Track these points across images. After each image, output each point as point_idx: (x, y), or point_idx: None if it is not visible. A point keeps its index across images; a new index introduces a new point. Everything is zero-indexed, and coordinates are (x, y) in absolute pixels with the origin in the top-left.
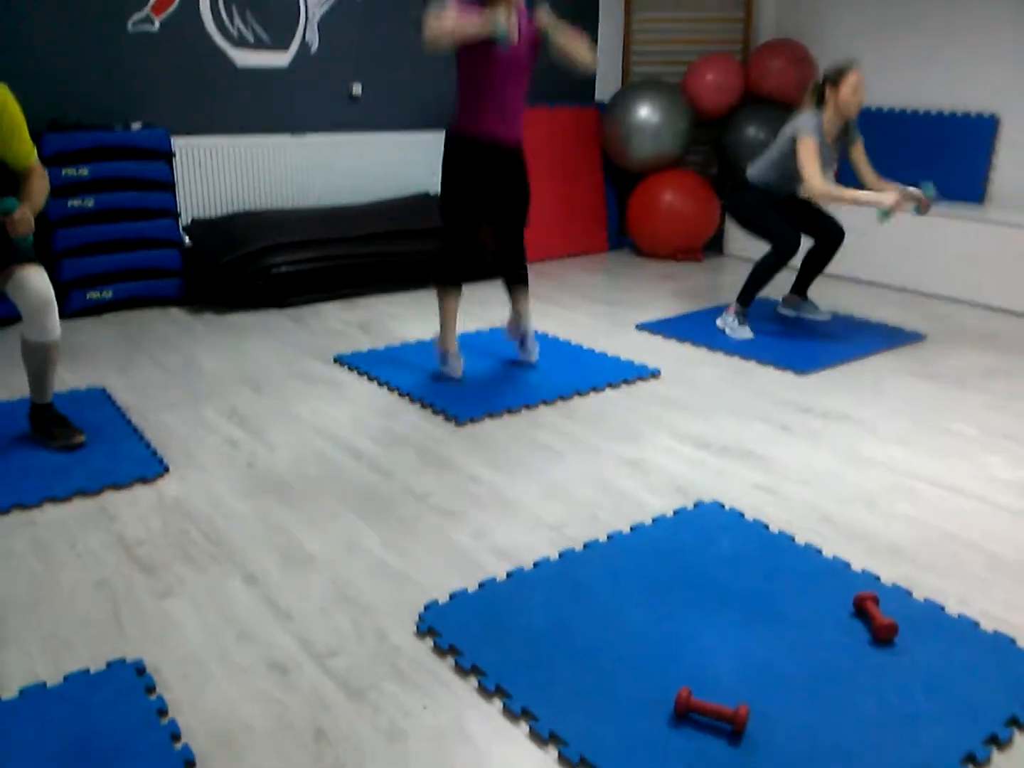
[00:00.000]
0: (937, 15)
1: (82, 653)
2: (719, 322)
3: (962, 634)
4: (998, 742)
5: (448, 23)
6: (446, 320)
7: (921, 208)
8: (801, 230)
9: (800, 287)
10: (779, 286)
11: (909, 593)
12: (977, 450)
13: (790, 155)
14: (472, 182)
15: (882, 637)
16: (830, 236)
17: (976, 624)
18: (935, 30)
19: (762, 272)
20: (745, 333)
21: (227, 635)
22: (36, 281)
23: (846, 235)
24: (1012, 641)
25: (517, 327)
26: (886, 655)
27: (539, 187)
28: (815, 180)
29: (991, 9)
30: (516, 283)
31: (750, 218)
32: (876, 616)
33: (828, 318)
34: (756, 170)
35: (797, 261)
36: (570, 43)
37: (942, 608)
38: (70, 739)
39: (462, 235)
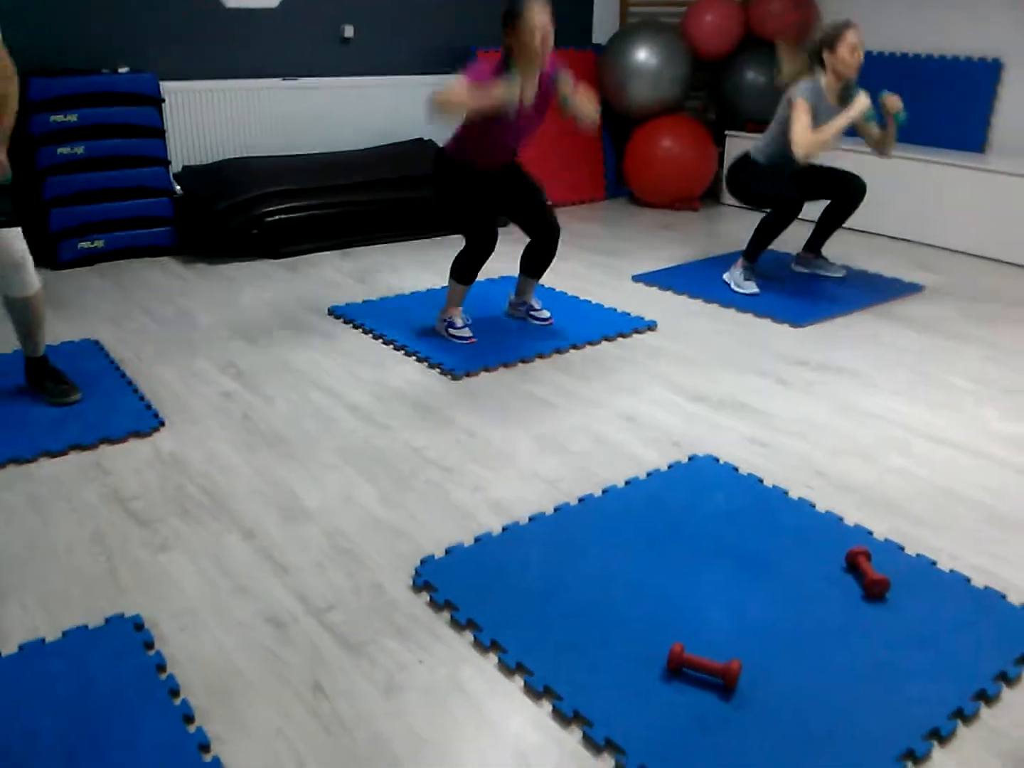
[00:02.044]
0: None
1: (80, 608)
2: (725, 276)
3: (953, 589)
4: (986, 697)
5: (458, 104)
6: (457, 300)
7: (898, 116)
8: (822, 196)
9: (814, 244)
10: (791, 241)
11: (901, 548)
12: (973, 403)
13: (787, 123)
14: (473, 196)
15: (874, 592)
16: (850, 192)
17: (967, 579)
18: None
19: (767, 228)
20: (750, 288)
21: (224, 589)
22: (12, 240)
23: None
24: (1003, 596)
25: (518, 300)
26: (878, 610)
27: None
28: (798, 136)
29: None
30: (538, 276)
31: (751, 193)
32: (868, 571)
33: (843, 274)
34: (758, 148)
35: (813, 216)
36: (582, 104)
37: (934, 563)
38: (70, 695)
39: (483, 234)
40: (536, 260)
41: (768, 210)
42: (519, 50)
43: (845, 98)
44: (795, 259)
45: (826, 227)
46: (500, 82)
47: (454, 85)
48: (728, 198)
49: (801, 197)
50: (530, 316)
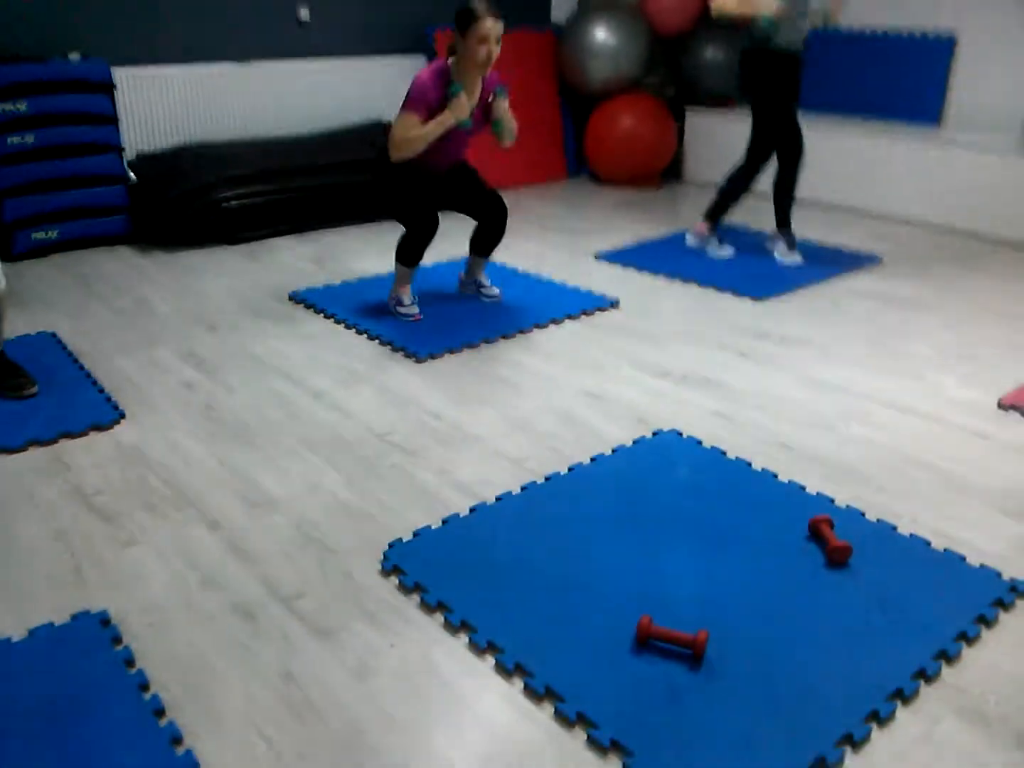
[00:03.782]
0: None
1: (46, 606)
2: (690, 241)
3: (914, 553)
4: (947, 657)
5: (418, 135)
6: (406, 281)
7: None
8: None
9: (781, 219)
10: (750, 212)
11: (862, 514)
12: (931, 370)
13: None
14: (429, 191)
15: (836, 559)
16: (790, 153)
17: (927, 543)
18: None
19: (728, 189)
20: (726, 251)
21: (191, 581)
22: None
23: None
24: (962, 558)
25: (468, 279)
26: (840, 576)
27: None
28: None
29: None
30: (487, 256)
31: (760, 90)
32: (830, 539)
33: (798, 261)
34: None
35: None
36: (509, 126)
37: (894, 528)
38: (38, 694)
39: (423, 223)
40: (485, 240)
41: (753, 126)
42: (463, 56)
43: None
44: (770, 235)
45: (777, 197)
46: (451, 105)
47: (407, 126)
48: (690, 175)
49: (767, 154)
50: (480, 292)
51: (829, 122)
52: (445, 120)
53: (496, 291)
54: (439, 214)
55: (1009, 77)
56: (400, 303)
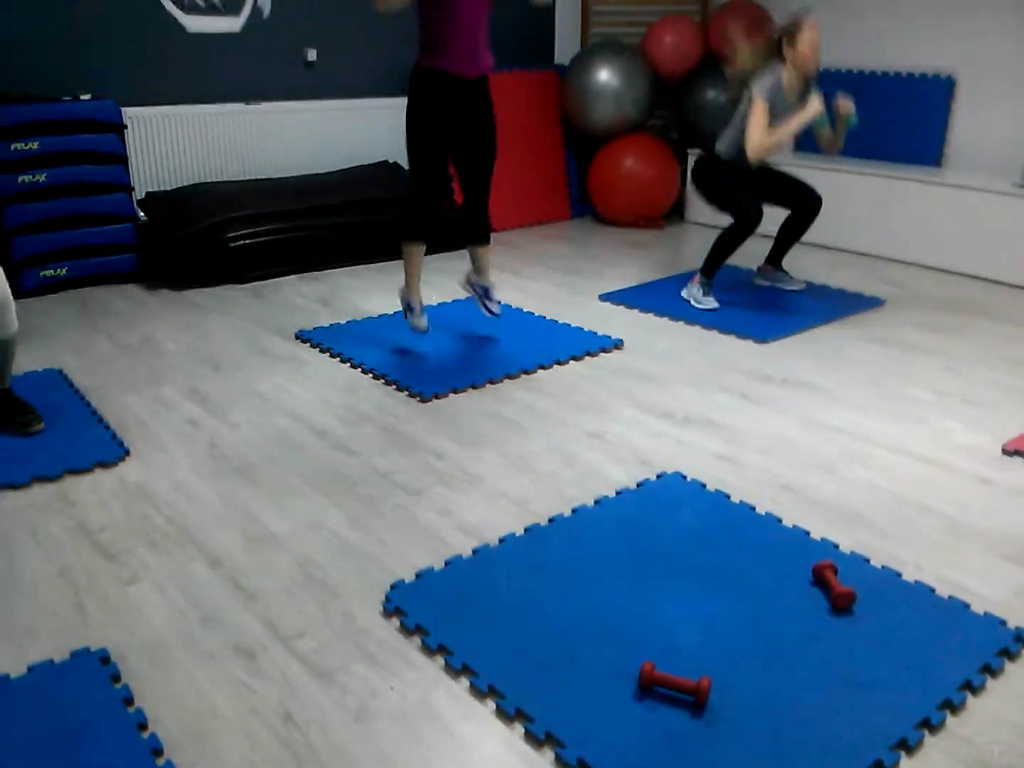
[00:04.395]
0: None
1: (46, 643)
2: (684, 293)
3: (918, 600)
4: (952, 706)
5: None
6: (412, 272)
7: (849, 121)
8: (778, 202)
9: (775, 257)
10: (754, 256)
11: (867, 560)
12: (935, 415)
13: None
14: (438, 118)
15: (840, 605)
16: (807, 204)
17: (932, 590)
18: None
19: (725, 243)
20: (710, 303)
21: (192, 620)
22: None
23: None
24: (967, 606)
25: (478, 281)
26: (844, 623)
27: (500, 153)
28: (753, 137)
29: None
30: (482, 241)
31: (714, 191)
32: (834, 584)
33: (802, 287)
34: (723, 142)
35: (771, 229)
36: None
37: (899, 575)
38: (36, 731)
39: (428, 181)
40: (468, 224)
41: (727, 212)
42: None
43: (805, 94)
44: (756, 272)
45: (785, 240)
46: None
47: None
48: (693, 215)
49: (760, 212)
50: (483, 303)
51: (829, 164)
52: None
53: (497, 309)
54: None
55: (1009, 118)
56: (410, 309)
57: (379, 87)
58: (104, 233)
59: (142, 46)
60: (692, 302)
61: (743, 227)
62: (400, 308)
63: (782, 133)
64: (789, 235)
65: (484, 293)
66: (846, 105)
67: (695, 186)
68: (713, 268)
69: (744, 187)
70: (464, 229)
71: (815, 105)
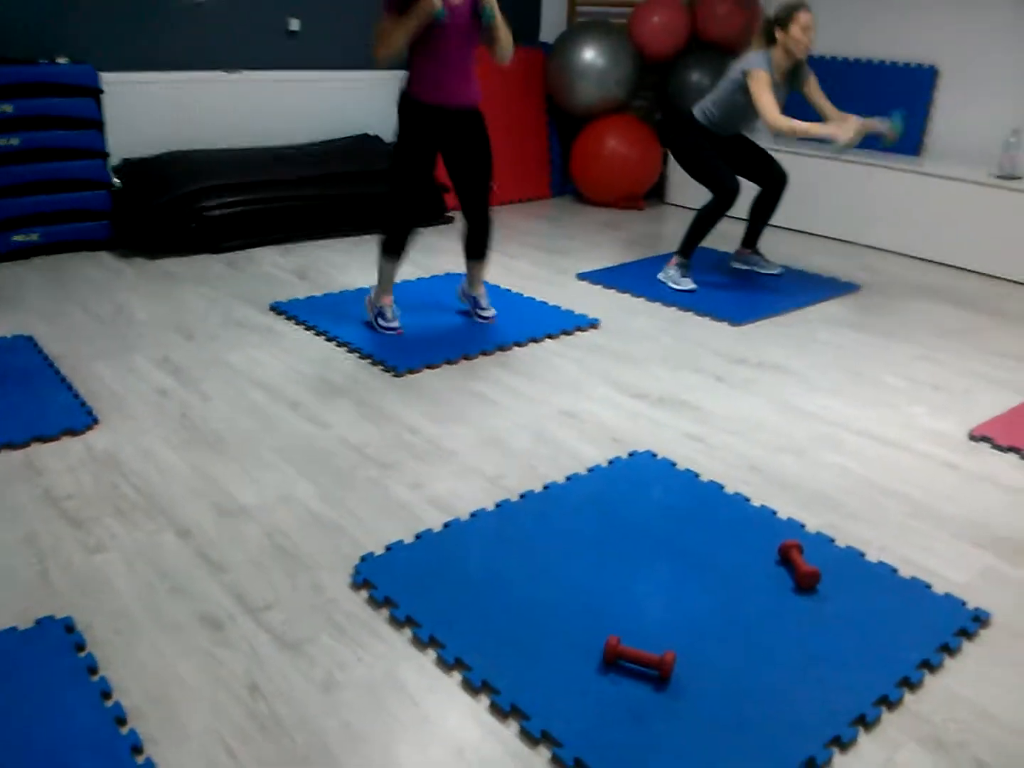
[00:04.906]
0: None
1: (10, 610)
2: (661, 276)
3: (881, 580)
4: (910, 684)
5: (393, 35)
6: (385, 280)
7: (887, 140)
8: (745, 175)
9: (749, 239)
10: (730, 237)
11: (832, 540)
12: (904, 401)
13: (737, 92)
14: (427, 147)
15: (805, 584)
16: (773, 181)
17: (895, 571)
18: None
19: (702, 221)
20: (687, 284)
21: (159, 590)
22: None
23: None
24: (928, 586)
25: (469, 292)
26: (808, 601)
27: None
28: (772, 113)
29: None
30: (480, 257)
31: (691, 158)
32: (799, 564)
33: (779, 271)
34: (701, 109)
35: (742, 211)
36: (500, 24)
37: (863, 555)
38: None
39: (408, 203)
40: (470, 243)
41: (704, 182)
42: None
43: (792, 78)
44: (733, 256)
45: (757, 220)
46: None
47: (384, 24)
48: (673, 197)
49: (737, 185)
50: (476, 312)
51: (811, 151)
52: (419, 8)
53: (491, 314)
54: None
55: (989, 109)
56: (382, 316)
57: (361, 59)
58: (78, 199)
59: (122, 10)
60: (670, 284)
61: (721, 201)
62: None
63: (804, 129)
64: (760, 215)
65: (474, 303)
66: (892, 135)
67: (672, 151)
68: (690, 247)
69: (720, 159)
70: (465, 244)
71: (846, 132)
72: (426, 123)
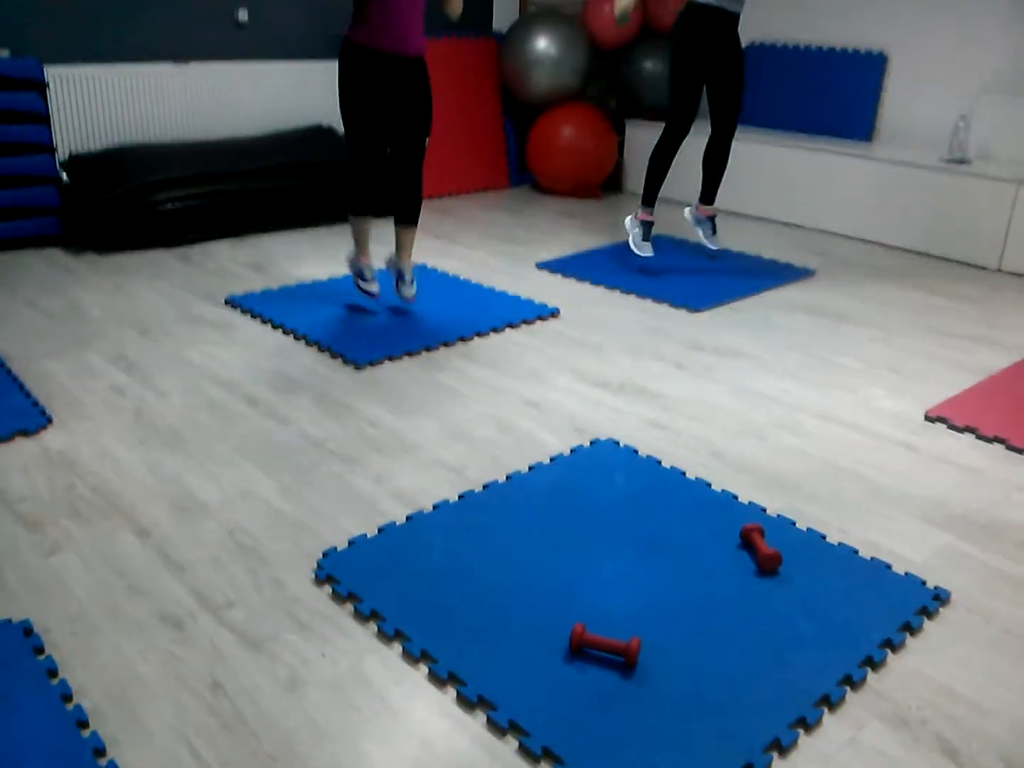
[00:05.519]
0: None
1: None
2: (627, 222)
3: (842, 562)
4: (873, 664)
5: None
6: (359, 239)
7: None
8: (711, 100)
9: (706, 194)
10: (688, 229)
11: (793, 523)
12: (861, 382)
13: None
14: (366, 92)
15: (766, 567)
16: (727, 124)
17: (855, 551)
18: None
19: (654, 160)
20: (646, 250)
21: (118, 590)
22: None
23: (730, 165)
24: (888, 567)
25: (395, 263)
26: (770, 584)
27: (438, 120)
28: None
29: None
30: (407, 222)
31: (674, 70)
32: (761, 547)
33: (716, 249)
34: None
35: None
36: None
37: (823, 537)
38: None
39: (364, 152)
40: (398, 205)
41: (668, 100)
42: None
43: None
44: (691, 210)
45: (711, 172)
46: None
47: None
48: (630, 185)
49: (687, 126)
50: (397, 287)
51: (763, 136)
52: None
53: (411, 293)
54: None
55: (938, 95)
56: (361, 276)
57: (312, 50)
58: (25, 195)
59: (66, 1)
60: (630, 241)
61: (668, 133)
62: (349, 274)
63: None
64: (710, 165)
65: (399, 276)
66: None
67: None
68: (651, 193)
69: (695, 93)
70: (392, 207)
71: None
72: (363, 68)
